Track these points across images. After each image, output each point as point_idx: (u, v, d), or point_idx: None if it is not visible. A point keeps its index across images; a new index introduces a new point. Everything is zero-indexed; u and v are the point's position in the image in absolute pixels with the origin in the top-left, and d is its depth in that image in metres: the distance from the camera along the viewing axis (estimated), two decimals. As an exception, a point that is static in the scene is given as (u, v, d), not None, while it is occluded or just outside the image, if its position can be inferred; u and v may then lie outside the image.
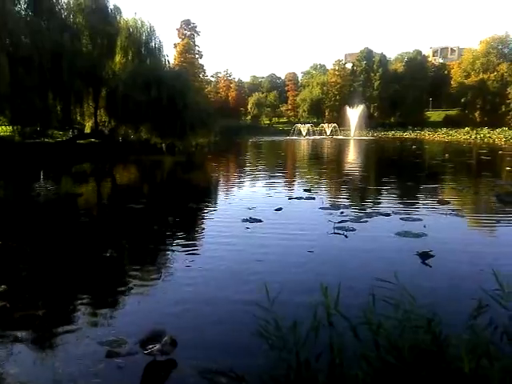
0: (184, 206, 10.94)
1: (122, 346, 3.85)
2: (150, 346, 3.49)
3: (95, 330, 4.24)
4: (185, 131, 28.51)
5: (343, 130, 65.97)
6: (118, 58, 30.84)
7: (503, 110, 74.08)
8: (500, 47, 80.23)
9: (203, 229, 8.83)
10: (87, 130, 31.51)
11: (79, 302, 5.00)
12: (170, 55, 64.11)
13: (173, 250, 6.95)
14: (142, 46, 31.57)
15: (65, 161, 23.48)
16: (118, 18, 31.51)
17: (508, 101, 73.47)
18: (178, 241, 7.55)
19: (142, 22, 31.78)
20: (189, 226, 8.91)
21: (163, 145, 28.86)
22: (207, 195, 13.70)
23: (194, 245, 7.38)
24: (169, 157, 27.12)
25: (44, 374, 3.56)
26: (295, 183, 15.77)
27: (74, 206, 11.86)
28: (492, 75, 75.34)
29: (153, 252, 7.10)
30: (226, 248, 7.01)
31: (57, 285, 5.60)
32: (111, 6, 31.09)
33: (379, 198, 12.16)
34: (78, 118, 30.67)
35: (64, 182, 17.39)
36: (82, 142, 28.98)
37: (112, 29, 29.87)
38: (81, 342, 4.01)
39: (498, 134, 53.80)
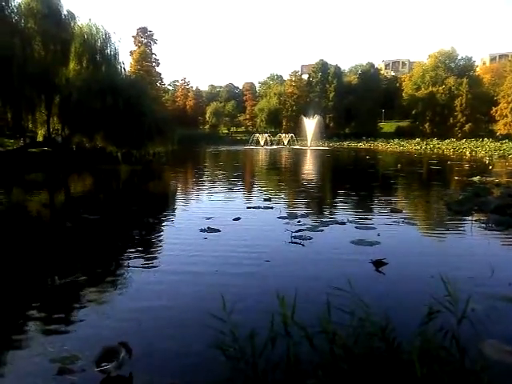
0: (140, 216, 10.76)
1: (75, 362, 3.71)
2: (105, 362, 3.39)
3: (47, 347, 4.06)
4: (142, 140, 28.11)
5: (300, 140, 67.02)
6: (72, 64, 30.00)
7: (451, 121, 77.51)
8: (447, 62, 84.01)
9: (159, 239, 8.68)
10: (39, 138, 30.41)
11: (30, 318, 4.79)
12: (126, 63, 63.27)
13: (128, 264, 6.77)
14: (97, 52, 30.85)
15: (16, 170, 22.57)
16: (72, 23, 30.78)
17: (455, 113, 76.90)
18: (134, 253, 7.37)
19: (97, 28, 31.09)
20: (145, 236, 8.74)
21: (119, 153, 28.32)
22: (164, 205, 13.52)
23: (150, 256, 7.24)
24: (125, 166, 26.60)
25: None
26: (253, 193, 15.82)
27: (26, 216, 11.43)
28: (440, 88, 78.78)
29: (107, 266, 6.90)
30: (183, 259, 6.94)
31: (7, 301, 5.36)
32: (65, 12, 30.43)
33: (335, 207, 12.39)
34: (30, 126, 29.50)
35: (15, 192, 16.71)
36: (34, 150, 27.86)
37: (66, 34, 29.15)
38: (31, 360, 3.85)
39: (447, 144, 56.27)
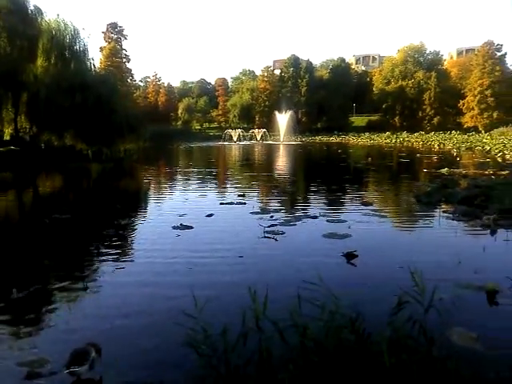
0: (112, 214, 10.60)
1: (44, 365, 3.65)
2: (75, 364, 3.34)
3: (14, 351, 3.98)
4: (112, 137, 27.73)
5: (273, 135, 67.14)
6: (39, 61, 29.21)
7: (420, 115, 79.10)
8: (416, 56, 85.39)
9: (131, 238, 8.59)
10: (6, 137, 29.51)
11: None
12: (96, 59, 61.98)
13: (98, 263, 6.68)
14: (65, 48, 30.16)
15: (-19, 170, 21.94)
16: (40, 19, 30.04)
17: (424, 106, 78.45)
18: (105, 252, 7.28)
19: (65, 24, 30.39)
20: (117, 235, 8.61)
21: (89, 151, 27.90)
22: (136, 203, 13.38)
23: (122, 256, 7.14)
24: (95, 164, 26.20)
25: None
26: (227, 189, 15.79)
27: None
28: (410, 82, 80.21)
29: (77, 266, 6.76)
30: (155, 257, 6.89)
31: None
32: (31, 7, 29.79)
33: (307, 202, 12.50)
34: (-4, 125, 28.74)
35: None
36: (0, 149, 27.10)
37: (33, 30, 28.43)
38: (-1, 364, 3.77)
39: (416, 137, 57.32)
